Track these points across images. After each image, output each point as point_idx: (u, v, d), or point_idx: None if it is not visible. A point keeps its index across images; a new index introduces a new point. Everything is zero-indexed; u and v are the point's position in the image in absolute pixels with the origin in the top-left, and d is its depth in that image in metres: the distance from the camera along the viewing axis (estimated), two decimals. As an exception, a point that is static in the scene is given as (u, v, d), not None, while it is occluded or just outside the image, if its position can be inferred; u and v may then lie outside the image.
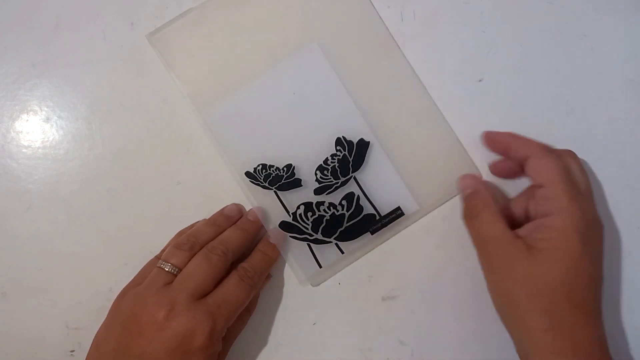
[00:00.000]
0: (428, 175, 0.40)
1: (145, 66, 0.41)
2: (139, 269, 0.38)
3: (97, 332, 0.35)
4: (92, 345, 0.35)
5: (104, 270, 0.38)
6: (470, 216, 0.35)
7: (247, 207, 0.40)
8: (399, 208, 0.39)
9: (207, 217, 0.40)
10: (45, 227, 0.41)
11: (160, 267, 0.35)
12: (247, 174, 0.39)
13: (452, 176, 0.39)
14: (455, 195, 0.40)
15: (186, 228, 0.40)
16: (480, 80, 0.41)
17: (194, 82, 0.40)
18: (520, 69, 0.41)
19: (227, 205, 0.40)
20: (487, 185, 0.37)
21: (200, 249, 0.36)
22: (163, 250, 0.38)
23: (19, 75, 0.42)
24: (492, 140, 0.39)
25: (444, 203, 0.40)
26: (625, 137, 0.40)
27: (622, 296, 0.39)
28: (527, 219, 0.35)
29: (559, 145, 0.38)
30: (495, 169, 0.40)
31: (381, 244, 0.40)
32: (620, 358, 0.38)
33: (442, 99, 0.40)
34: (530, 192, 0.36)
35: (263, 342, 0.40)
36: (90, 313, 0.36)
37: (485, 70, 0.41)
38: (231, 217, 0.39)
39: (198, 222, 0.40)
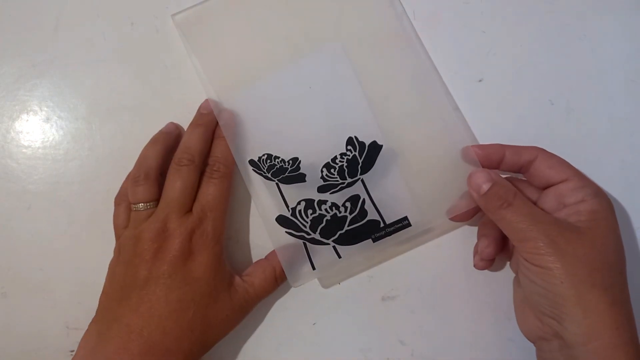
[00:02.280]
0: (442, 189, 0.37)
1: (145, 66, 0.42)
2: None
3: (102, 290, 0.37)
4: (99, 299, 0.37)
5: (104, 270, 0.38)
6: (501, 207, 0.33)
7: (248, 197, 0.40)
8: (405, 218, 0.37)
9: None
10: (45, 227, 0.41)
11: (136, 210, 0.36)
12: (251, 162, 0.38)
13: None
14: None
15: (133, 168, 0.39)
16: (480, 80, 0.41)
17: (214, 67, 0.39)
18: (520, 69, 0.41)
19: (165, 125, 0.40)
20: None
21: (155, 173, 0.37)
22: (119, 195, 0.39)
23: (19, 75, 0.42)
24: (485, 151, 0.36)
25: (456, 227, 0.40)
26: (625, 137, 0.40)
27: (622, 296, 0.39)
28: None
29: (559, 145, 0.38)
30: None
31: (382, 255, 0.39)
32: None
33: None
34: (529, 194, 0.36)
35: (263, 342, 0.40)
36: (90, 313, 0.36)
37: (485, 70, 0.41)
38: (170, 133, 0.39)
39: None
